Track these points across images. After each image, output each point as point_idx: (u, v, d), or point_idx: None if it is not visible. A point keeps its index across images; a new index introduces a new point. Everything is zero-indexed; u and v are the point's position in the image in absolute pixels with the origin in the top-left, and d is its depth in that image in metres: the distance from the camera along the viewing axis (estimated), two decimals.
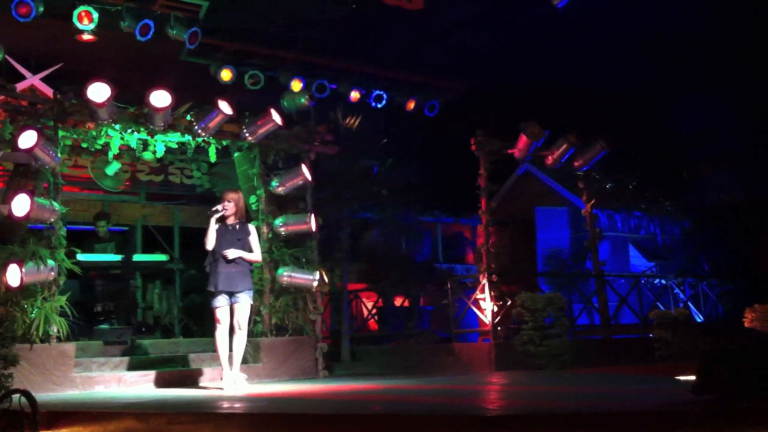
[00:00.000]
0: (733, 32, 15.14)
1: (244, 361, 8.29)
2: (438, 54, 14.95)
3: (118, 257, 10.29)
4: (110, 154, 9.59)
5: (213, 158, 10.01)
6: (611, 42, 14.49)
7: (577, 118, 12.94)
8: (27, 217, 7.92)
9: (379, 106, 14.69)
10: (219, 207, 7.86)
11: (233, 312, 7.85)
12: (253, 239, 8.05)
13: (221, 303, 7.79)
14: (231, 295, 7.82)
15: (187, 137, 9.57)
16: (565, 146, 11.83)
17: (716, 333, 5.41)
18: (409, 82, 15.23)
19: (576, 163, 12.30)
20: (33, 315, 8.02)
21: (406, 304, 13.02)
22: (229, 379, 7.79)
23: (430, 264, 14.42)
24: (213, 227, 7.80)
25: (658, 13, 14.17)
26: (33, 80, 11.25)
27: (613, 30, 14.35)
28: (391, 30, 13.75)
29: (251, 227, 8.15)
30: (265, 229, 9.94)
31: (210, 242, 7.78)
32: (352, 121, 12.35)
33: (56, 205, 8.34)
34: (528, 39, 14.37)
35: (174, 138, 9.57)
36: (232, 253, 7.78)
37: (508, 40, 14.52)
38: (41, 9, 10.79)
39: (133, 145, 9.43)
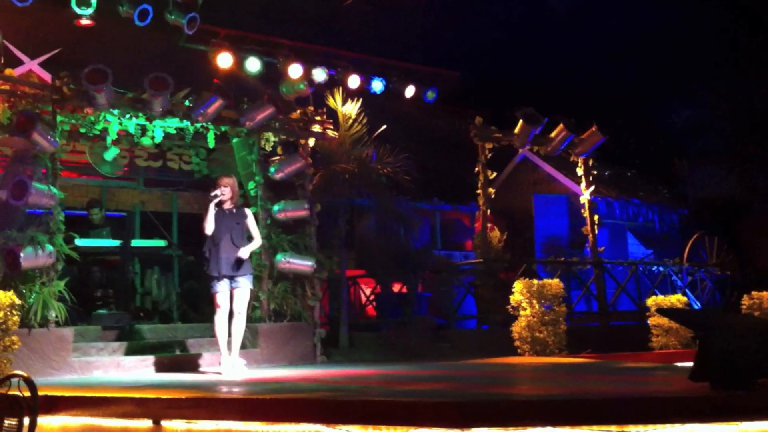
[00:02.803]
0: (731, 30, 15.18)
1: (243, 346, 8.31)
2: (437, 44, 14.96)
3: (116, 243, 10.28)
4: (108, 140, 9.58)
5: (211, 144, 9.99)
6: (611, 36, 14.51)
7: (576, 108, 12.97)
8: (25, 202, 7.91)
9: (378, 92, 14.65)
10: (217, 192, 7.87)
11: (233, 297, 7.88)
12: (251, 223, 8.12)
13: (222, 288, 7.81)
14: (232, 279, 7.84)
15: (186, 123, 9.55)
16: (564, 133, 11.83)
17: (713, 320, 5.40)
18: (406, 69, 15.21)
19: (575, 151, 12.31)
20: (31, 300, 8.03)
21: (404, 290, 13.03)
22: (227, 364, 7.81)
23: (428, 251, 14.40)
24: (212, 212, 7.82)
25: (660, 9, 14.20)
26: (31, 65, 11.22)
27: (614, 24, 14.38)
28: (390, 19, 13.75)
29: (248, 211, 8.20)
30: (263, 215, 9.93)
31: (209, 227, 7.80)
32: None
33: (54, 191, 8.34)
34: (528, 31, 14.39)
35: (172, 123, 9.55)
36: (244, 252, 7.88)
37: (508, 33, 14.54)
38: None
39: (132, 130, 9.42)
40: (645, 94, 16.83)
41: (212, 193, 7.90)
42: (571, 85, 15.31)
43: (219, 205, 7.92)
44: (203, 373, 8.33)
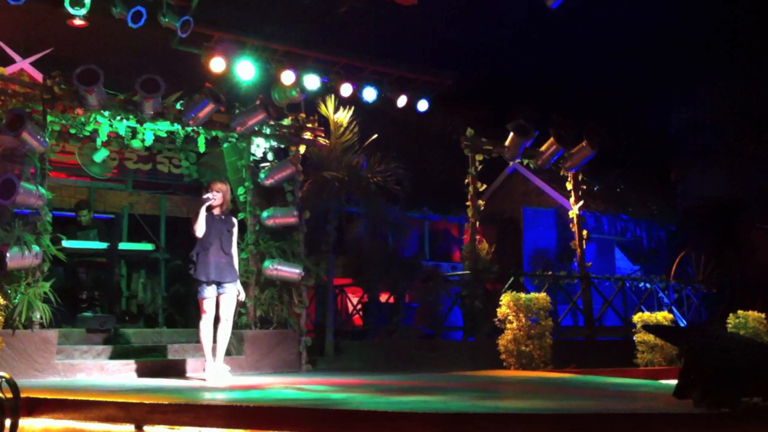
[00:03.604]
0: (719, 32, 15.26)
1: (228, 352, 8.28)
2: (429, 48, 14.96)
3: (103, 245, 10.24)
4: (98, 141, 9.55)
5: (202, 148, 9.98)
6: (597, 42, 14.57)
7: (575, 106, 12.99)
8: (13, 201, 7.87)
9: (370, 101, 14.65)
10: (209, 195, 7.84)
11: (219, 303, 7.84)
12: (236, 233, 8.07)
13: (209, 294, 7.77)
14: (219, 285, 7.81)
15: (176, 126, 9.53)
16: (554, 147, 11.86)
17: (698, 338, 5.41)
18: (399, 76, 15.20)
19: (565, 165, 12.33)
20: (16, 300, 7.98)
21: (391, 300, 13.02)
22: (211, 370, 7.77)
23: (416, 260, 14.41)
24: (203, 215, 7.78)
25: (645, 12, 14.26)
26: (22, 64, 11.17)
27: (598, 31, 14.43)
28: (383, 23, 13.75)
29: (235, 220, 8.16)
30: (251, 221, 9.92)
31: (200, 230, 7.75)
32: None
33: (42, 191, 8.30)
34: (516, 38, 14.43)
35: (163, 127, 9.53)
36: (243, 296, 8.14)
37: (497, 37, 14.57)
38: None
39: (122, 132, 9.39)
40: (644, 93, 16.90)
41: (204, 196, 7.88)
42: (569, 84, 15.36)
43: (209, 209, 7.88)
44: (187, 378, 8.28)
